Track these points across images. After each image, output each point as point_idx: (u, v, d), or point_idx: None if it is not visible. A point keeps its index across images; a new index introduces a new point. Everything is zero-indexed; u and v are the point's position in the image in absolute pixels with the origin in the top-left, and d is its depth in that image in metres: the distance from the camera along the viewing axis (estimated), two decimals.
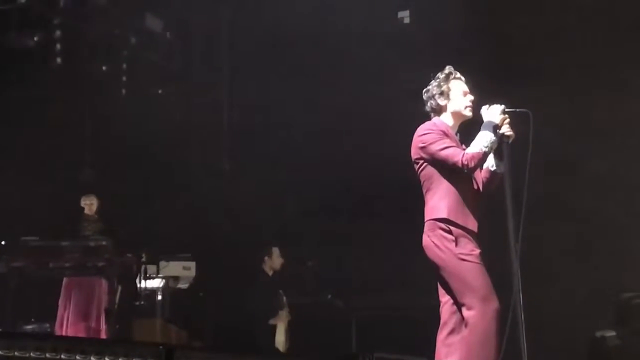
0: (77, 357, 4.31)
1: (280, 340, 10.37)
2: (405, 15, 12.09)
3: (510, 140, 5.82)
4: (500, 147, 5.80)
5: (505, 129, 5.80)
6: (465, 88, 5.98)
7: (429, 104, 6.01)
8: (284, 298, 10.78)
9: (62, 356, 4.29)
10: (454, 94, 5.95)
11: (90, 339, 7.55)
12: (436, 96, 5.95)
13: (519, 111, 5.84)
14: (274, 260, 10.93)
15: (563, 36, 10.26)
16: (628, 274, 8.89)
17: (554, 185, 9.49)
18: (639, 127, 9.67)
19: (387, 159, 9.69)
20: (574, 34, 10.20)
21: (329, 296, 10.56)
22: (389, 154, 9.17)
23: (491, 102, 5.89)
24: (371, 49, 11.27)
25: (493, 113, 5.82)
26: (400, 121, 7.01)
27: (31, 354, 4.27)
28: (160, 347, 4.44)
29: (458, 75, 6.01)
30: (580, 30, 10.17)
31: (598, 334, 7.44)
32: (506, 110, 5.84)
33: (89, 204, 10.30)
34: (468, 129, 5.97)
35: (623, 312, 7.52)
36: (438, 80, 5.98)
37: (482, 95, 6.04)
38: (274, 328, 10.44)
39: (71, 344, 4.37)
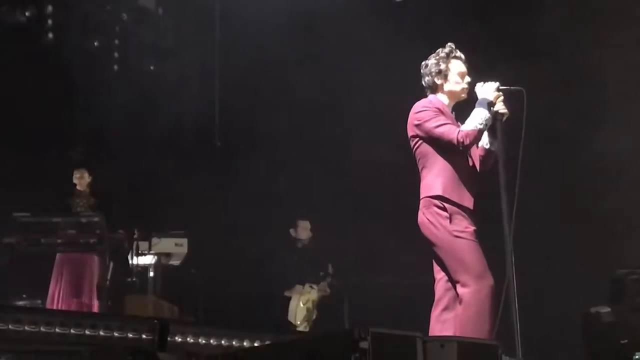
0: (72, 331, 4.31)
1: (301, 313, 10.37)
2: None
3: (505, 118, 5.83)
4: (494, 124, 5.81)
5: (500, 107, 5.81)
6: (464, 69, 5.98)
7: (425, 80, 6.01)
8: (330, 271, 10.73)
9: (57, 330, 4.29)
10: (452, 75, 5.95)
11: (85, 313, 7.56)
12: (433, 74, 5.95)
13: (514, 89, 5.85)
14: (300, 233, 10.95)
15: (558, 12, 10.24)
16: (623, 250, 8.91)
17: (549, 163, 9.51)
18: (634, 104, 9.67)
19: (384, 139, 9.70)
20: (569, 9, 10.18)
21: (321, 274, 10.55)
22: (384, 133, 9.20)
23: (486, 80, 5.90)
24: (364, 26, 11.23)
25: (487, 90, 5.83)
26: (395, 102, 7.01)
27: (25, 327, 4.27)
28: (155, 321, 4.44)
29: (458, 54, 6.00)
30: (576, 6, 10.16)
31: (592, 309, 7.46)
32: (500, 87, 5.84)
33: (80, 178, 10.27)
34: (463, 106, 5.98)
35: (618, 288, 7.53)
36: (438, 57, 5.97)
37: (477, 72, 6.05)
38: (287, 300, 10.46)
39: (66, 318, 4.36)
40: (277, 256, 10.81)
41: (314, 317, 10.52)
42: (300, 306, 10.35)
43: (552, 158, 9.67)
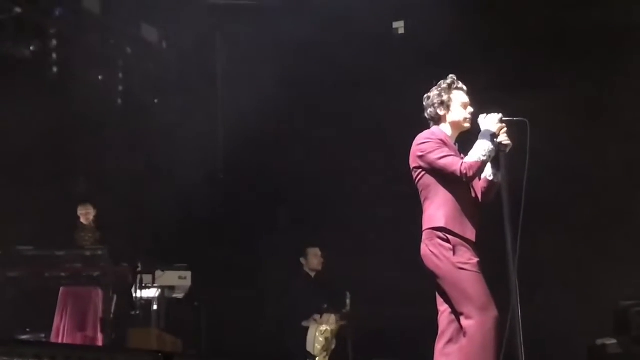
0: None
1: (319, 344, 10.21)
2: (400, 26, 12.08)
3: (508, 150, 5.83)
4: (497, 156, 5.81)
5: (503, 138, 5.81)
6: (466, 99, 5.99)
7: (428, 112, 6.02)
8: (348, 300, 10.43)
9: None
10: (454, 106, 5.95)
11: (90, 347, 7.52)
12: (436, 105, 5.96)
13: (517, 120, 5.85)
14: (311, 261, 10.64)
15: (559, 45, 10.28)
16: (628, 282, 8.88)
17: (553, 194, 9.49)
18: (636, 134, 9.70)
19: (385, 168, 9.73)
20: (570, 42, 10.22)
21: (325, 306, 10.47)
22: (386, 163, 9.22)
23: (488, 111, 5.91)
24: (366, 59, 11.28)
25: (490, 122, 5.83)
26: (397, 130, 7.03)
27: None
28: (159, 354, 4.41)
29: (460, 85, 6.02)
30: (576, 38, 10.19)
31: (598, 341, 7.46)
32: (503, 119, 5.85)
33: (86, 214, 10.27)
34: (466, 138, 5.98)
35: (624, 320, 7.54)
36: (440, 89, 5.99)
37: (479, 104, 6.06)
38: (305, 330, 10.16)
39: (70, 351, 4.34)
40: (284, 287, 10.70)
41: (333, 347, 10.34)
42: (318, 336, 10.17)
43: (558, 189, 9.66)
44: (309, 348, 10.06)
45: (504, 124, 5.82)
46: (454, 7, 10.54)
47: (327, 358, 10.15)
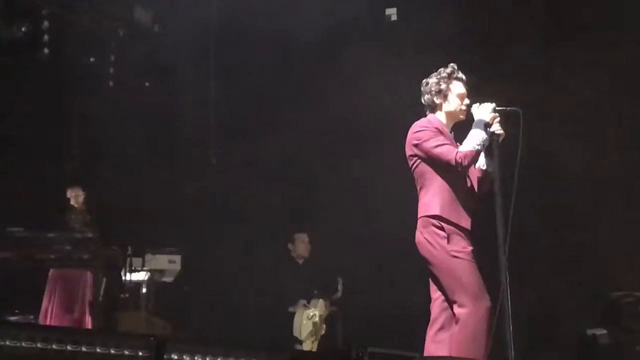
0: (68, 348, 4.28)
1: (306, 329, 10.22)
2: (392, 13, 12.05)
3: (501, 139, 5.85)
4: (490, 145, 5.83)
5: (496, 128, 5.83)
6: (464, 90, 6.00)
7: (425, 98, 6.03)
8: (340, 285, 10.52)
9: (54, 346, 4.26)
10: (451, 96, 5.97)
11: (83, 330, 7.49)
12: (433, 93, 5.97)
13: (510, 109, 5.87)
14: (298, 247, 10.69)
15: (553, 33, 10.27)
16: (619, 272, 8.91)
17: (544, 183, 9.51)
18: (628, 126, 9.70)
19: (380, 155, 9.70)
20: (563, 31, 10.21)
21: (315, 292, 10.48)
22: (378, 149, 9.21)
23: (482, 100, 5.92)
24: (358, 46, 11.25)
25: (484, 111, 5.85)
26: (389, 119, 7.03)
27: (22, 343, 4.24)
28: (152, 338, 4.41)
29: (460, 75, 6.02)
30: (569, 27, 10.18)
31: (589, 332, 7.49)
32: (496, 108, 5.86)
33: (75, 196, 10.26)
34: (464, 127, 5.99)
35: (614, 310, 7.58)
36: (439, 77, 5.99)
37: (473, 93, 6.06)
38: (292, 316, 10.17)
39: (63, 334, 4.34)
40: (273, 272, 10.70)
41: (323, 332, 10.32)
42: (305, 321, 10.17)
43: (548, 179, 9.67)
44: (296, 333, 10.08)
45: (497, 114, 5.84)
46: None
47: (315, 343, 10.15)
